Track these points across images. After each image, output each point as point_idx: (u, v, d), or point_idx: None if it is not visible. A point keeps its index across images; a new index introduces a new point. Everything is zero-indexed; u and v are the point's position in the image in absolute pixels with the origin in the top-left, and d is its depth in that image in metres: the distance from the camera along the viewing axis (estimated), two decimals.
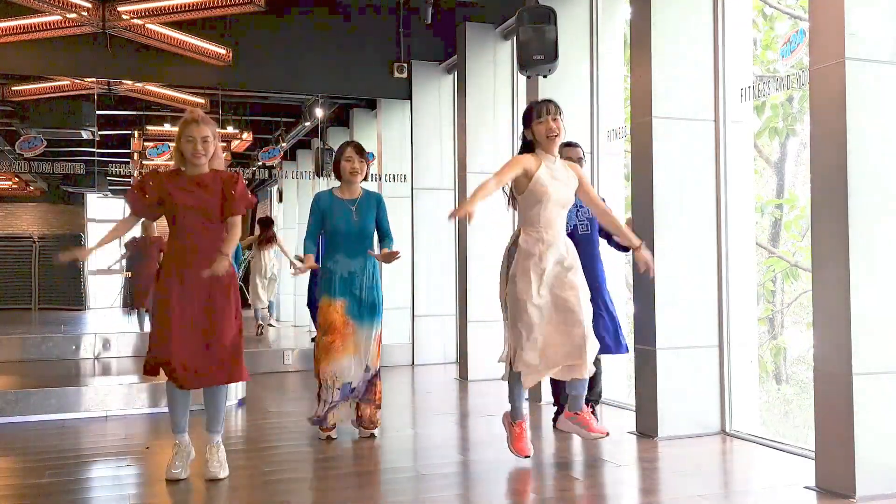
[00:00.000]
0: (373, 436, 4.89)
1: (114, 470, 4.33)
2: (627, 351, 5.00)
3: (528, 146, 4.11)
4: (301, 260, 4.87)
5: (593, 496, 3.79)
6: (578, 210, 4.85)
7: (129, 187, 3.89)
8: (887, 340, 3.62)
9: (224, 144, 11.31)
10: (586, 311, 3.97)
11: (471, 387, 7.14)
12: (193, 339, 3.79)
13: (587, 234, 4.90)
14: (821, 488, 3.68)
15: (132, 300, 10.35)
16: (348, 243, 4.79)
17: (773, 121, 4.58)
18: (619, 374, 6.32)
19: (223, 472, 3.91)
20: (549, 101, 4.11)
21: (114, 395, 5.85)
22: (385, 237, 4.90)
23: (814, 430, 3.76)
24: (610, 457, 4.46)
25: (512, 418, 4.18)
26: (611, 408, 5.96)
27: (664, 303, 4.85)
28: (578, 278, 4.01)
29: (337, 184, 4.95)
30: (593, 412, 4.91)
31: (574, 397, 4.15)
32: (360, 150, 4.88)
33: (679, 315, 4.88)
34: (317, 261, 4.86)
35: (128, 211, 3.98)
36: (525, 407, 4.25)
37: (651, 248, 4.86)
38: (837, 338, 3.61)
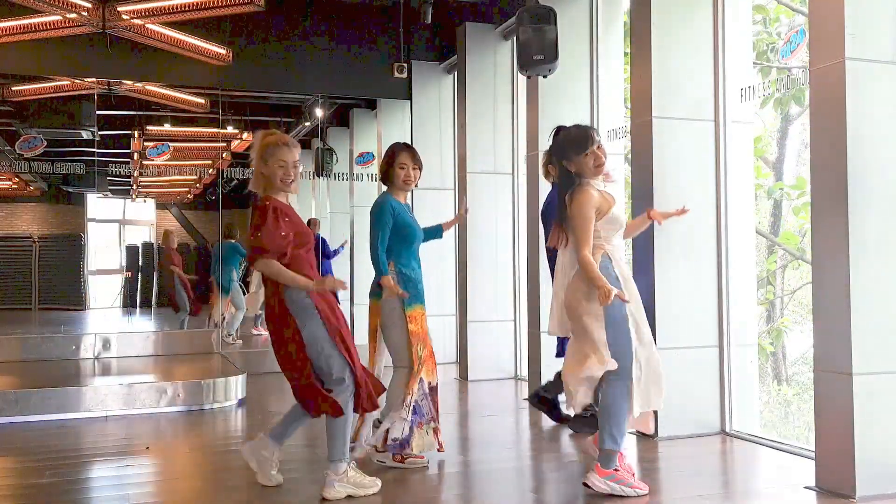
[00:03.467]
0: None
1: (114, 470, 4.33)
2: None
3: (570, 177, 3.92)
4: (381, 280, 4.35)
5: (593, 496, 3.79)
6: None
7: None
8: (887, 340, 3.62)
9: (224, 144, 11.33)
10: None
11: (471, 387, 7.14)
12: None
13: None
14: (821, 488, 3.68)
15: (182, 304, 10.13)
16: (417, 251, 4.59)
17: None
18: None
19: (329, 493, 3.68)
20: (593, 129, 3.98)
21: (114, 395, 5.85)
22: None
23: (814, 430, 3.76)
24: None
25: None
26: None
27: (664, 303, 4.85)
28: None
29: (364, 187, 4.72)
30: (585, 413, 4.89)
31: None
32: (414, 156, 4.58)
33: (679, 315, 4.88)
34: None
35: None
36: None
37: (651, 248, 4.87)
38: (837, 337, 3.61)
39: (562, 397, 5.04)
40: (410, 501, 3.69)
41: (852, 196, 3.59)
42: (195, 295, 10.14)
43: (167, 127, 10.53)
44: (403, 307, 4.29)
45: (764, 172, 8.78)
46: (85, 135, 10.10)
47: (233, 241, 9.84)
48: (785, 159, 9.24)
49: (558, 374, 4.98)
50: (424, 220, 9.16)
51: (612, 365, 3.59)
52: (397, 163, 4.46)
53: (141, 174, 11.13)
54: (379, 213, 4.37)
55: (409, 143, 8.99)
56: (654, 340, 4.79)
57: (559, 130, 4.11)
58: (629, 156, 5.28)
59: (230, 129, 11.10)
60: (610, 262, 3.72)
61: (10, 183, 15.13)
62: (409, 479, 4.00)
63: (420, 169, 4.55)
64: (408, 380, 4.21)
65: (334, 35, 8.70)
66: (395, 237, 4.38)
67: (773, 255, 8.76)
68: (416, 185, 4.58)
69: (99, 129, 10.05)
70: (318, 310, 3.63)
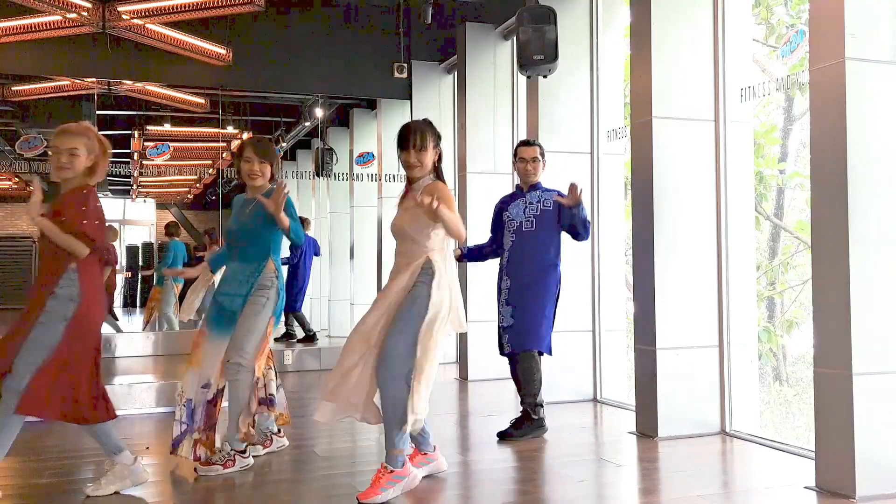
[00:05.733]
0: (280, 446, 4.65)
1: None
2: (549, 352, 4.92)
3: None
4: None
5: (593, 496, 3.79)
6: (526, 207, 4.96)
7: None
8: (887, 340, 3.63)
9: (224, 144, 11.32)
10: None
11: (471, 387, 7.14)
12: None
13: (531, 230, 4.91)
14: (821, 488, 3.69)
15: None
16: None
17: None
18: (619, 374, 6.33)
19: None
20: (418, 129, 3.79)
21: (114, 395, 5.80)
22: None
23: (814, 430, 3.76)
24: (610, 457, 4.47)
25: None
26: (611, 408, 5.97)
27: (664, 303, 4.85)
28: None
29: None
30: (532, 413, 4.90)
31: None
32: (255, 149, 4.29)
33: (679, 315, 4.88)
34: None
35: None
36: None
37: (651, 247, 4.87)
38: (837, 337, 3.62)
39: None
40: (410, 501, 3.69)
41: (852, 196, 3.59)
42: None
43: (167, 127, 10.54)
44: None
45: (780, 163, 8.77)
46: None
47: (176, 238, 10.13)
48: (787, 159, 9.25)
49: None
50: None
51: None
52: (243, 157, 4.24)
53: (141, 174, 11.14)
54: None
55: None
56: (655, 340, 4.84)
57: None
58: (629, 156, 5.28)
59: (230, 129, 11.10)
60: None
61: (10, 183, 15.14)
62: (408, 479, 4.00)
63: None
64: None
65: (334, 35, 8.70)
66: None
67: (786, 248, 8.76)
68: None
69: (99, 129, 10.04)
70: None
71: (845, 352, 3.57)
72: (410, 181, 3.86)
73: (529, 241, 4.89)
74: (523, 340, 4.83)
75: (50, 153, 3.65)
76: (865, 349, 3.57)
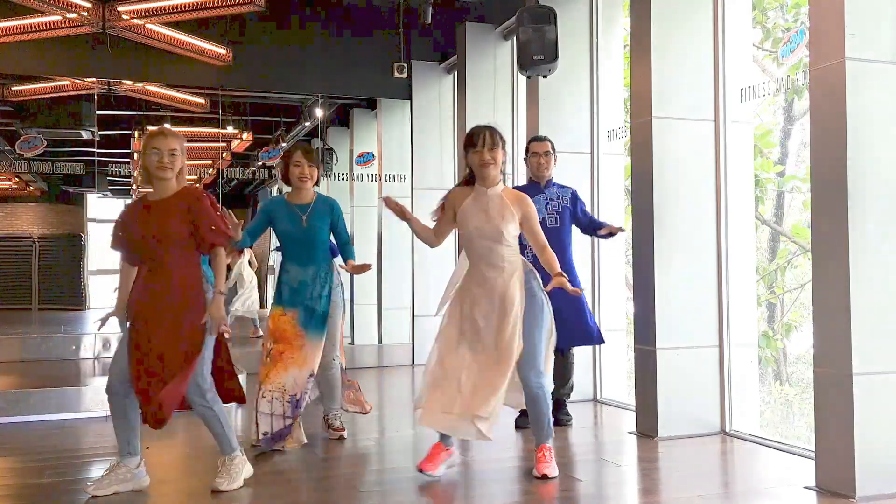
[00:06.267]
0: (342, 438, 4.85)
1: None
2: (602, 341, 5.18)
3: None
4: None
5: (593, 496, 3.79)
6: (548, 202, 5.06)
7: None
8: (887, 340, 3.62)
9: (224, 144, 11.32)
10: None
11: None
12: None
13: (555, 227, 4.98)
14: (821, 488, 3.68)
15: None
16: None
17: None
18: (619, 374, 6.32)
19: (227, 484, 3.75)
20: (488, 128, 3.91)
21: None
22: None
23: (814, 430, 3.76)
24: (610, 457, 4.47)
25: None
26: (611, 408, 5.96)
27: (664, 303, 4.85)
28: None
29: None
30: (564, 406, 5.18)
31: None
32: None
33: (679, 315, 4.88)
34: None
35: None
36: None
37: (651, 247, 4.87)
38: (837, 337, 3.61)
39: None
40: (410, 501, 3.69)
41: (852, 196, 3.59)
42: None
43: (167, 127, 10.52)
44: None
45: (776, 166, 8.77)
46: (85, 135, 10.10)
47: None
48: (787, 159, 9.25)
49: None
50: (423, 218, 9.11)
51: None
52: (292, 161, 4.61)
53: (141, 174, 11.11)
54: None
55: (409, 142, 9.04)
56: (655, 340, 4.84)
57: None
58: (629, 156, 5.29)
59: (230, 129, 11.10)
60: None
61: (10, 183, 15.16)
62: (408, 479, 4.00)
63: (317, 168, 4.70)
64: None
65: (334, 35, 8.70)
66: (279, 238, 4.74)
67: (782, 251, 8.77)
68: (316, 184, 4.76)
69: (99, 129, 10.05)
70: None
71: (845, 352, 3.57)
72: (472, 182, 3.93)
73: (554, 236, 4.79)
74: (571, 337, 4.92)
75: (146, 152, 3.69)
76: (865, 349, 3.57)
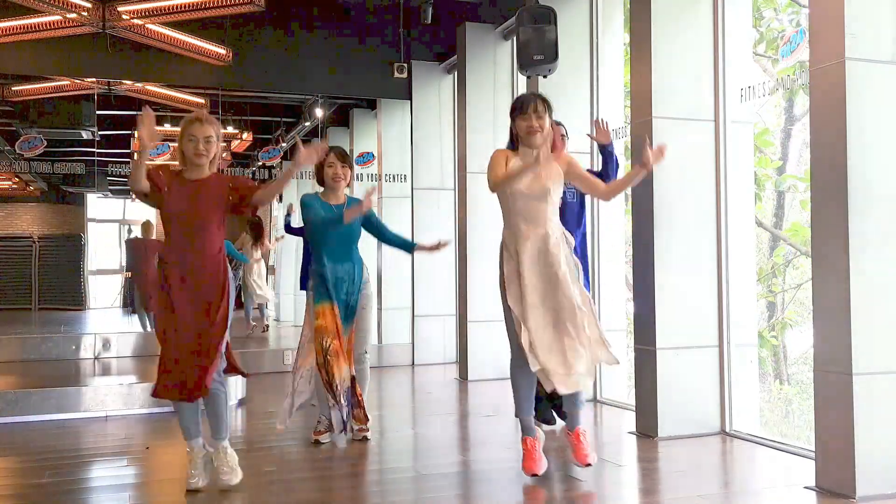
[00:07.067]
0: (366, 438, 4.86)
1: (114, 470, 4.33)
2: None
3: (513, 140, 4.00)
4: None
5: (593, 496, 3.79)
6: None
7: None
8: (887, 340, 3.62)
9: (224, 144, 11.31)
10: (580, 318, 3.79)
11: (471, 387, 7.14)
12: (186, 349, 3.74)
13: (572, 202, 4.90)
14: (821, 488, 3.68)
15: (138, 301, 10.29)
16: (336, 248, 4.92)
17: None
18: (619, 374, 6.32)
19: (235, 478, 3.79)
20: (538, 96, 3.93)
21: (114, 395, 5.84)
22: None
23: (814, 430, 3.76)
24: (610, 457, 4.46)
25: (522, 433, 4.00)
26: (611, 408, 5.96)
27: (664, 303, 4.85)
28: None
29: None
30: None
31: (568, 415, 4.07)
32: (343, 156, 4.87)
33: (679, 315, 4.88)
34: None
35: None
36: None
37: (651, 247, 4.87)
38: (837, 337, 3.61)
39: None
40: (410, 501, 3.69)
41: (852, 196, 3.59)
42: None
43: (167, 127, 10.53)
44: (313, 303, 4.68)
45: (773, 162, 8.77)
46: (85, 135, 10.11)
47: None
48: (788, 159, 9.25)
49: None
50: (423, 218, 9.08)
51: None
52: (326, 162, 4.77)
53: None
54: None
55: (409, 142, 9.04)
56: (655, 340, 4.84)
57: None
58: (629, 156, 5.28)
59: (230, 129, 11.10)
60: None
61: (10, 183, 15.16)
62: (408, 479, 4.01)
63: (350, 168, 4.88)
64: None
65: (334, 35, 8.70)
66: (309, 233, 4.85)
67: (778, 249, 8.77)
68: (348, 184, 4.87)
69: (99, 129, 10.06)
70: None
71: (845, 352, 3.57)
72: (519, 148, 3.89)
73: (570, 211, 4.78)
74: None
75: (183, 138, 3.78)
76: (865, 349, 3.57)
